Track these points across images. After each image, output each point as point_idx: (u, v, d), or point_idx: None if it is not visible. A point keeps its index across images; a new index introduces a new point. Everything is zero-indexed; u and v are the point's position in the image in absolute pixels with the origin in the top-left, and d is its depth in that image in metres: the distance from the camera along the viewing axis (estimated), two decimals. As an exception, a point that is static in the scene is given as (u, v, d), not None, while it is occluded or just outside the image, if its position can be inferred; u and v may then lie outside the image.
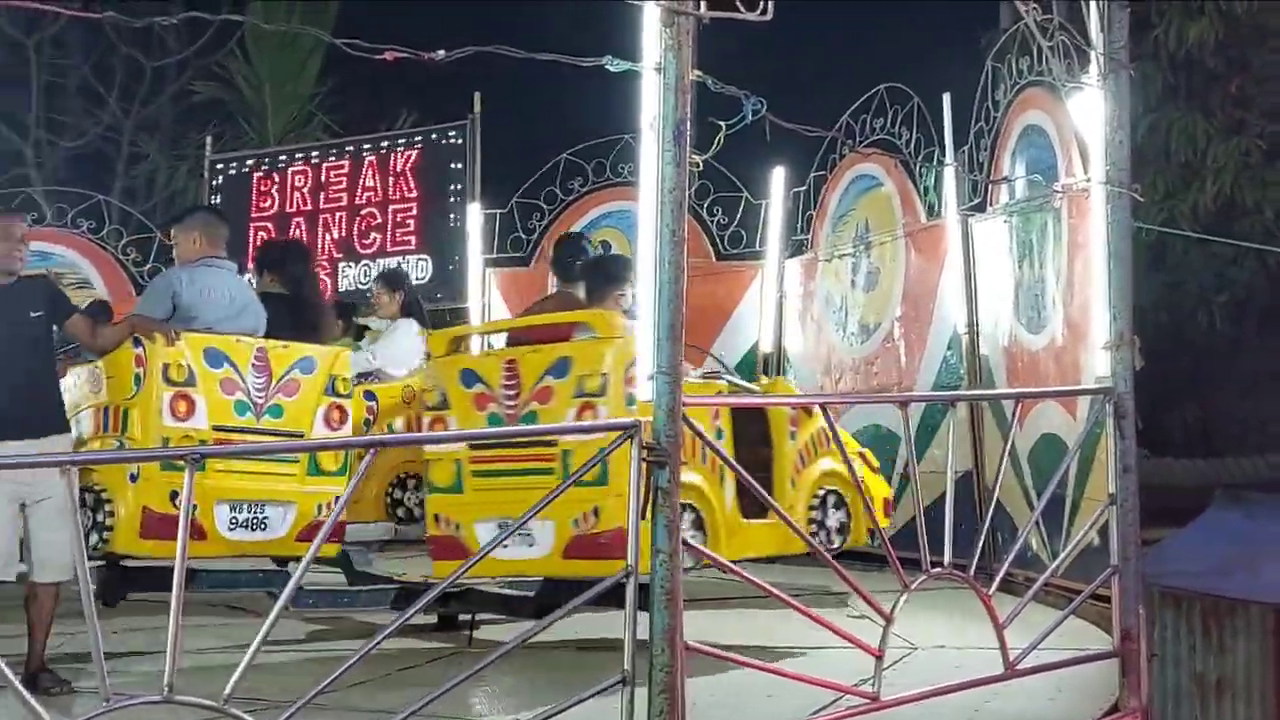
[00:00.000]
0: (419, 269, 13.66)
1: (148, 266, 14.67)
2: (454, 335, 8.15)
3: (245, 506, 7.42)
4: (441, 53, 4.81)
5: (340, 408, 7.75)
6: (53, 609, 6.76)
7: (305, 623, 8.35)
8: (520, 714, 5.64)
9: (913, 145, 11.30)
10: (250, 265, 12.16)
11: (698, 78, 4.46)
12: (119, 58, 20.99)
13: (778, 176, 12.78)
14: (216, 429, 7.27)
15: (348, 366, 7.95)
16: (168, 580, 7.57)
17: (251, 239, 14.05)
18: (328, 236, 13.79)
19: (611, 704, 4.27)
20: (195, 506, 6.74)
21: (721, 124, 4.73)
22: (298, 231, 14.02)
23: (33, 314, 6.85)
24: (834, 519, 7.78)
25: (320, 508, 7.49)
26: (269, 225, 14.25)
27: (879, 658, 5.24)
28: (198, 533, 7.03)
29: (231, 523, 7.37)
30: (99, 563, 7.27)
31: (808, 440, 7.68)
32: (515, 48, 5.34)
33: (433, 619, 8.18)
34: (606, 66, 4.61)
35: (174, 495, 6.95)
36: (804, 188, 12.83)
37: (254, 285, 8.67)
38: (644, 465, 4.28)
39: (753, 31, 4.60)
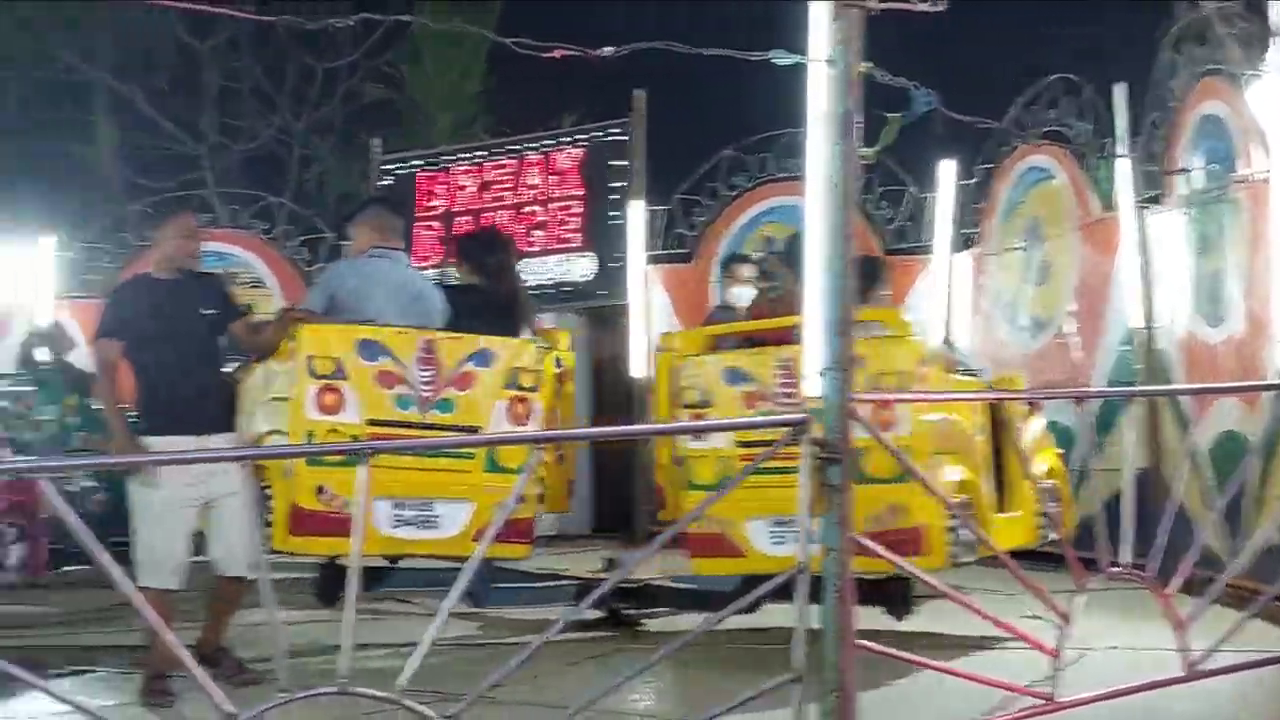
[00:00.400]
0: (582, 266, 13.74)
1: (317, 266, 14.99)
2: (709, 334, 8.11)
3: (410, 503, 7.07)
4: (609, 50, 4.80)
5: (524, 401, 7.32)
6: (237, 602, 6.85)
7: (474, 618, 8.42)
8: (690, 710, 5.62)
9: (1085, 137, 11.11)
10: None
11: (867, 69, 4.40)
12: (291, 61, 21.40)
13: (945, 169, 12.63)
14: (372, 423, 6.97)
15: (534, 359, 7.47)
16: (385, 578, 7.51)
17: (420, 238, 14.24)
18: (493, 235, 13.90)
19: (781, 698, 4.24)
20: (348, 502, 6.80)
21: (889, 116, 4.66)
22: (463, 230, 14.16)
23: (203, 311, 6.91)
24: (1053, 513, 7.72)
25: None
26: (435, 224, 14.44)
27: (1055, 658, 5.13)
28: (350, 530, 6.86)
29: (395, 520, 7.07)
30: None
31: (1034, 435, 7.66)
32: (679, 43, 5.33)
33: (602, 614, 8.18)
34: (773, 60, 4.58)
35: (320, 490, 6.87)
36: (972, 180, 12.67)
37: (452, 276, 8.62)
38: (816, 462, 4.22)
39: (919, 22, 4.54)
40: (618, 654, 7.46)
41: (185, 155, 21.82)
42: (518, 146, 14.51)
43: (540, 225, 13.99)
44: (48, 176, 21.29)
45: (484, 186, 14.42)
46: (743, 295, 10.14)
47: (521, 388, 7.35)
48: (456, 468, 7.14)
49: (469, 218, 14.32)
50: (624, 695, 6.12)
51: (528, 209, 14.10)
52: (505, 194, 14.27)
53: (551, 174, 14.02)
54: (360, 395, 7.01)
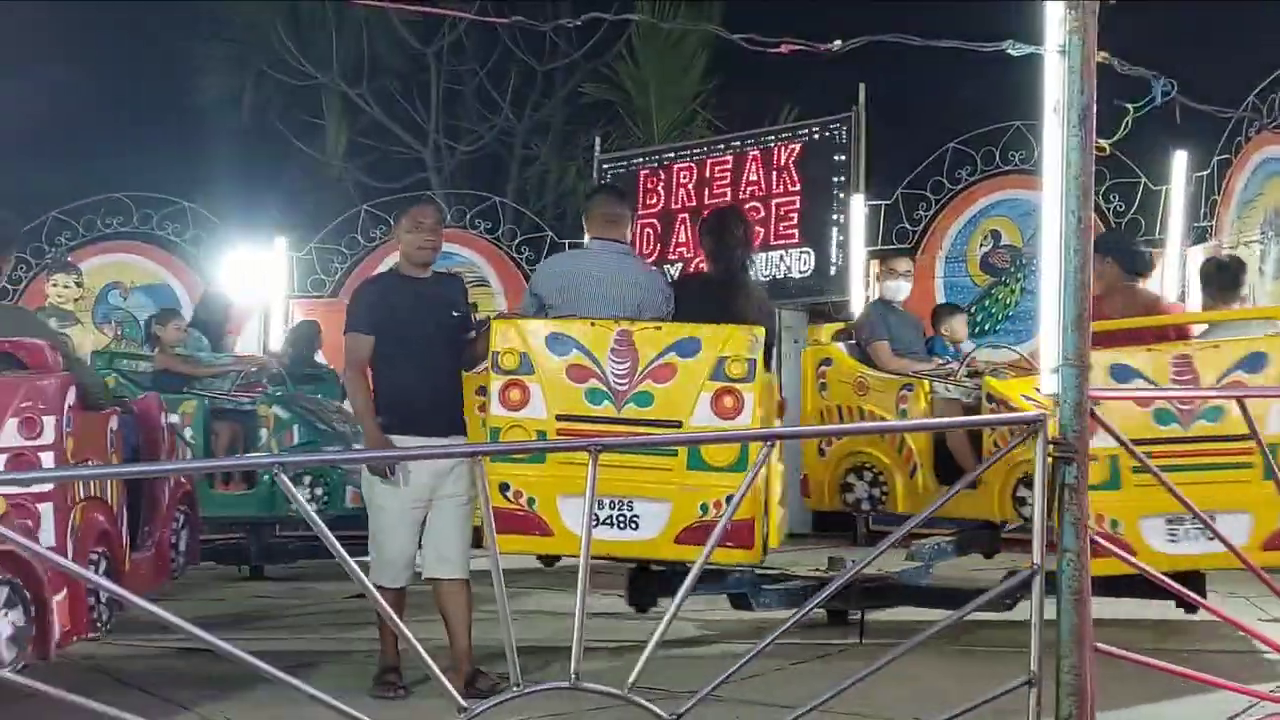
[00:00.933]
0: (801, 262, 13.65)
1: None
2: (1101, 330, 7.89)
3: (608, 502, 6.78)
4: (838, 43, 4.77)
5: (733, 392, 6.74)
6: (466, 603, 6.73)
7: (700, 618, 8.42)
8: (920, 712, 5.54)
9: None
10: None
11: (1103, 59, 4.29)
12: (513, 62, 21.70)
13: (1178, 160, 12.27)
14: (561, 419, 6.81)
15: (745, 347, 6.82)
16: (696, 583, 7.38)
17: (639, 235, 14.29)
18: (712, 232, 13.87)
19: (1000, 704, 4.16)
20: (534, 500, 6.77)
21: (1129, 106, 4.54)
22: (681, 228, 14.19)
23: (454, 313, 6.90)
24: None
25: (705, 507, 6.67)
26: (655, 222, 14.49)
27: (1301, 665, 4.96)
28: (541, 528, 6.79)
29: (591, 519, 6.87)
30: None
31: None
32: (907, 35, 5.26)
33: (825, 614, 8.12)
34: (1008, 51, 4.50)
35: (504, 488, 6.82)
36: (1207, 172, 12.30)
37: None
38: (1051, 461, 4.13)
39: (1153, 10, 4.42)
40: (843, 654, 7.41)
41: (411, 157, 22.30)
42: (737, 144, 14.47)
43: (760, 221, 13.91)
44: (281, 179, 22.03)
45: (703, 184, 14.41)
46: (900, 289, 9.97)
47: (729, 378, 6.79)
48: (657, 465, 6.80)
49: (687, 215, 14.33)
50: (851, 696, 6.05)
51: (748, 206, 14.03)
52: (725, 191, 14.24)
53: (773, 170, 13.95)
54: (547, 390, 6.86)
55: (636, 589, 7.52)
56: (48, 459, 5.85)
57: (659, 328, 6.91)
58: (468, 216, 15.87)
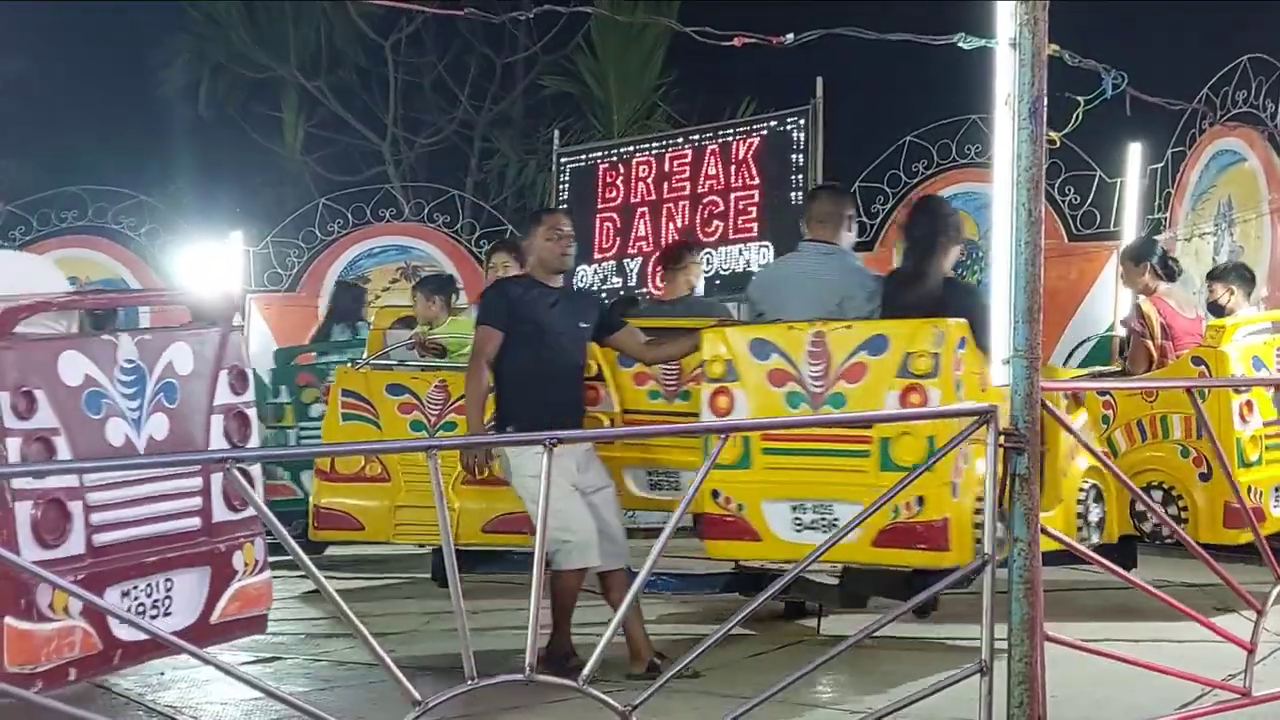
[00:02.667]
0: (760, 255, 13.68)
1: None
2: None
3: (810, 506, 6.64)
4: (790, 36, 4.80)
5: (918, 389, 6.42)
6: (622, 593, 6.66)
7: (660, 610, 8.42)
8: (875, 700, 5.58)
9: (1279, 118, 10.81)
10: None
11: (1054, 53, 4.33)
12: (472, 56, 21.66)
13: (1133, 153, 12.36)
14: None
15: (929, 342, 6.46)
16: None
17: (598, 229, 14.30)
18: (671, 225, 13.91)
19: (959, 692, 4.19)
20: (743, 506, 6.74)
21: (1080, 99, 4.58)
22: (640, 222, 14.18)
23: (582, 324, 7.03)
24: None
25: (897, 509, 6.30)
26: (614, 216, 14.49)
27: (1251, 652, 5.00)
28: (750, 534, 6.75)
29: (796, 524, 6.66)
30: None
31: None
32: (860, 29, 5.30)
33: (781, 607, 8.12)
34: (959, 44, 4.53)
35: (715, 494, 6.79)
36: (1161, 164, 12.38)
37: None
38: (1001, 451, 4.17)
39: (1111, 6, 4.46)
40: (802, 645, 7.44)
41: (369, 150, 22.25)
42: (696, 137, 14.47)
43: (719, 215, 13.90)
44: (239, 173, 21.94)
45: (663, 178, 14.40)
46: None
47: (915, 375, 6.45)
48: (853, 467, 6.55)
49: (647, 209, 14.33)
50: (808, 685, 6.09)
51: (707, 200, 14.03)
52: (685, 184, 14.23)
53: (732, 163, 13.94)
54: (750, 395, 6.77)
55: (847, 586, 7.32)
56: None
57: (849, 327, 6.70)
58: (426, 210, 15.86)
